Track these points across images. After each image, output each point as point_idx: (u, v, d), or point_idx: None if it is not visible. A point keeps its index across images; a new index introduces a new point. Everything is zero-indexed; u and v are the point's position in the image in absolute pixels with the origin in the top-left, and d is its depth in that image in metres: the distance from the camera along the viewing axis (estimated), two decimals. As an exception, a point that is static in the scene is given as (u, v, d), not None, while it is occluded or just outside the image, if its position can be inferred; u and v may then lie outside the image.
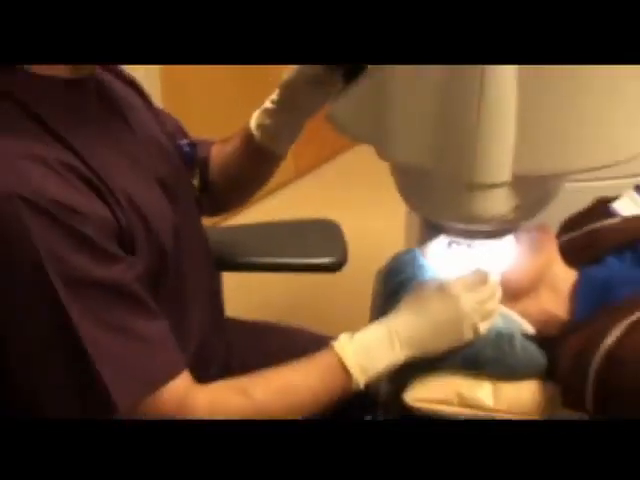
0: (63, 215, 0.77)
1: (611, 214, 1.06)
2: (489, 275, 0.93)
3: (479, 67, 0.74)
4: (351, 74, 0.90)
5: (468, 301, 0.89)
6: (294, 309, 2.02)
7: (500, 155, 0.78)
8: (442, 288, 0.90)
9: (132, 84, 1.05)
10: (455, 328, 0.89)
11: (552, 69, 0.74)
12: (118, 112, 0.94)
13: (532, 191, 0.85)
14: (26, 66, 0.84)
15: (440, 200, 0.86)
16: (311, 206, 2.48)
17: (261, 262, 1.26)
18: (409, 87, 0.79)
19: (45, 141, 0.81)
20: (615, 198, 1.08)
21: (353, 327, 0.94)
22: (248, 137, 1.10)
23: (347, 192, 2.74)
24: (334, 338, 0.93)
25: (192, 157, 1.09)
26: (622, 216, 1.05)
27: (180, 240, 0.94)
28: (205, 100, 2.55)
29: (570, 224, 1.09)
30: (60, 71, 0.85)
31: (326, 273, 1.27)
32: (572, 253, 1.03)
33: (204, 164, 1.13)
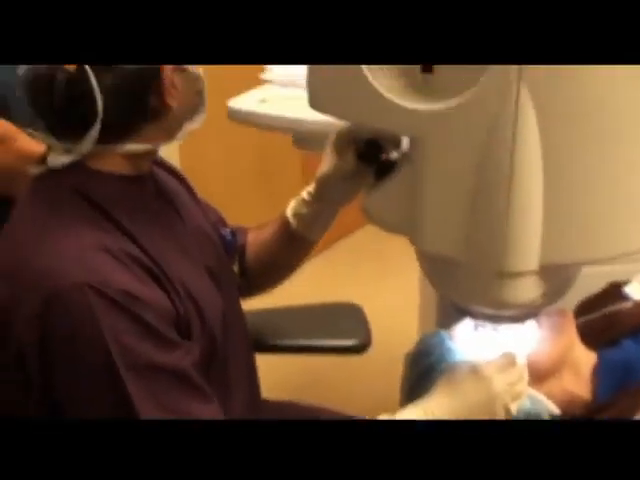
0: (129, 304, 0.82)
1: (624, 298, 1.10)
2: (516, 357, 0.97)
3: (509, 158, 0.79)
4: (383, 170, 0.96)
5: (500, 383, 0.92)
6: (308, 389, 2.04)
7: (529, 244, 0.83)
8: (474, 370, 0.93)
9: (181, 178, 1.12)
10: (488, 409, 0.92)
11: (579, 160, 0.79)
12: (172, 205, 1.00)
13: (557, 277, 0.90)
14: (92, 164, 0.90)
15: (470, 286, 0.91)
16: (323, 285, 2.54)
17: (290, 344, 1.30)
18: (440, 181, 0.84)
19: (111, 233, 0.86)
20: (626, 282, 1.13)
21: (372, 405, 0.97)
22: (284, 225, 1.16)
23: (357, 269, 2.78)
24: (360, 417, 0.96)
25: (233, 245, 1.15)
26: (635, 300, 1.10)
27: (226, 326, 0.99)
28: (222, 178, 2.62)
29: (585, 307, 1.13)
30: (122, 168, 0.92)
31: (352, 355, 1.31)
32: (589, 335, 1.08)
33: (242, 250, 1.19)
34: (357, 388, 2.18)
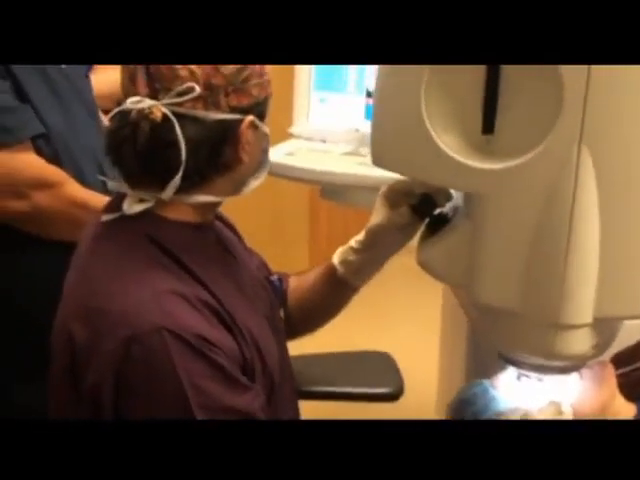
0: (203, 347, 0.83)
1: (660, 351, 1.12)
2: (563, 407, 0.98)
3: (568, 216, 0.81)
4: (436, 223, 0.98)
5: (550, 432, 0.93)
6: None
7: (584, 298, 0.84)
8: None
9: (232, 228, 1.13)
10: None
11: (634, 220, 0.81)
12: (230, 253, 1.01)
13: (608, 330, 0.91)
14: (161, 212, 0.91)
15: (523, 337, 0.92)
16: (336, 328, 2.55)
17: (326, 391, 1.30)
18: (499, 237, 0.86)
19: (182, 278, 0.87)
20: (660, 336, 1.15)
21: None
22: (330, 271, 1.17)
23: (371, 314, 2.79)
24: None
25: (281, 291, 1.16)
26: (670, 353, 1.11)
27: (281, 370, 0.99)
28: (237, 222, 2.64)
29: (621, 359, 1.14)
30: (189, 217, 0.93)
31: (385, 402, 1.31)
32: (626, 387, 1.08)
33: (285, 296, 1.20)
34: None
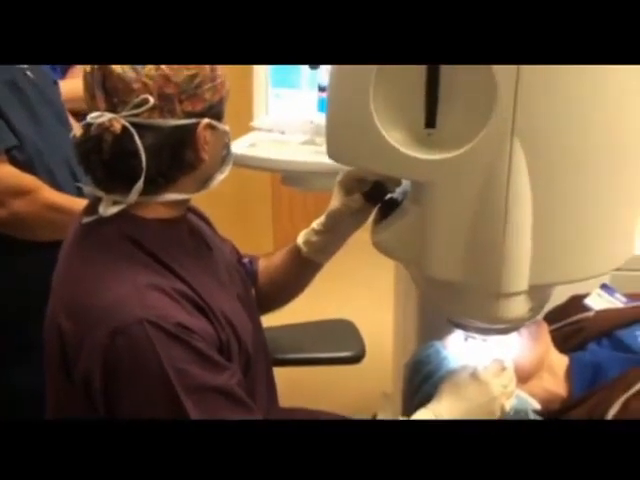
0: (182, 334, 0.82)
1: (586, 308, 1.15)
2: (505, 362, 1.00)
3: (504, 198, 0.82)
4: (387, 207, 0.99)
5: (496, 385, 0.95)
6: (311, 397, 2.05)
7: (520, 269, 0.86)
8: (474, 376, 0.96)
9: (204, 218, 1.12)
10: (488, 409, 0.95)
11: (561, 198, 0.83)
12: (203, 242, 1.01)
13: (541, 295, 0.94)
14: (137, 212, 0.90)
15: (469, 305, 0.94)
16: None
17: (294, 358, 1.31)
18: (445, 219, 0.87)
19: (160, 272, 0.87)
20: (586, 295, 1.18)
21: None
22: (296, 251, 1.18)
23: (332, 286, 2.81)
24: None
25: (252, 271, 1.16)
26: (595, 310, 1.14)
27: (255, 344, 0.99)
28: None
29: (552, 317, 1.18)
30: (163, 214, 0.92)
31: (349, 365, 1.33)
32: (559, 341, 1.12)
33: (255, 276, 1.20)
34: (354, 393, 2.20)
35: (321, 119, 1.75)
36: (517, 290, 0.88)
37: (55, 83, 1.51)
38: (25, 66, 1.34)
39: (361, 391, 2.26)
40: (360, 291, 2.91)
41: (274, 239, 3.32)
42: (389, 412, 2.08)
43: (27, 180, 1.25)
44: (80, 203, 1.27)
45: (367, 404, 2.19)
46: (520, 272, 0.87)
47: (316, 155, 1.64)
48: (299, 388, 2.00)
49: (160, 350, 0.81)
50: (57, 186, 1.30)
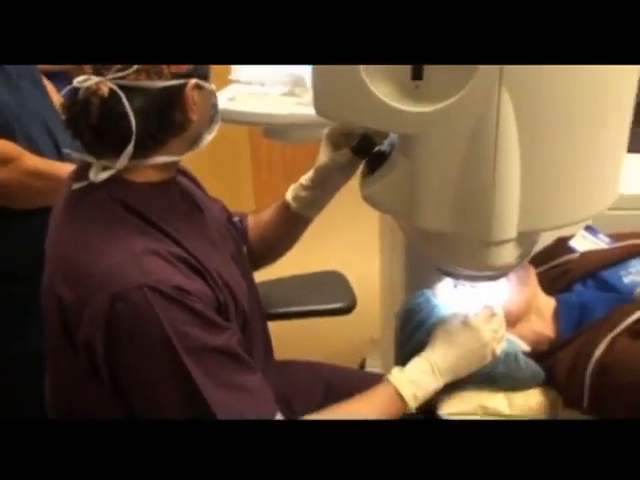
0: (181, 297, 0.83)
1: (571, 250, 1.18)
2: (495, 308, 1.03)
3: (492, 147, 0.83)
4: (375, 160, 0.99)
5: (487, 331, 0.98)
6: (305, 348, 2.08)
7: (509, 217, 0.88)
8: (466, 323, 0.99)
9: (193, 179, 1.11)
10: (480, 354, 0.97)
11: (548, 148, 0.84)
12: (195, 204, 1.00)
13: (530, 241, 0.96)
14: (127, 176, 0.90)
15: (458, 254, 0.95)
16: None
17: (287, 311, 1.33)
18: (434, 170, 0.87)
19: (155, 236, 0.87)
20: (571, 237, 1.20)
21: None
22: (285, 207, 1.18)
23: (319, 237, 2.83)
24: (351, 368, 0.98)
25: (242, 229, 1.17)
26: (580, 252, 1.17)
27: (250, 301, 1.01)
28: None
29: (539, 259, 1.20)
30: (154, 177, 0.92)
31: (341, 316, 1.35)
32: (545, 283, 1.15)
33: (246, 233, 1.20)
34: (342, 340, 2.22)
35: (300, 70, 1.74)
36: (506, 238, 0.89)
37: None
38: None
39: (349, 338, 2.30)
40: (345, 239, 2.93)
41: (254, 191, 3.31)
42: (377, 357, 2.13)
43: (8, 148, 1.23)
44: (63, 168, 1.25)
45: (356, 350, 2.24)
46: (509, 220, 0.88)
47: (298, 107, 1.63)
48: (290, 338, 2.04)
49: (160, 314, 0.81)
50: (38, 151, 1.28)
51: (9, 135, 1.24)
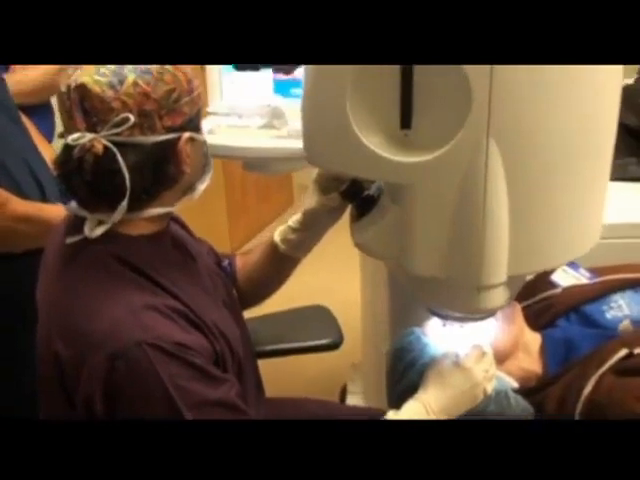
0: (180, 352, 0.83)
1: (553, 285, 1.20)
2: (484, 347, 1.04)
3: (482, 196, 0.85)
4: (364, 205, 1.00)
5: (479, 372, 0.99)
6: (292, 385, 2.07)
7: (499, 262, 0.89)
8: (457, 364, 1.00)
9: (180, 222, 1.11)
10: (473, 394, 0.98)
11: (534, 197, 0.86)
12: (186, 251, 1.00)
13: (519, 282, 0.98)
14: (122, 230, 0.89)
15: (449, 298, 0.96)
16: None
17: (273, 349, 1.33)
18: (425, 218, 0.89)
19: (152, 290, 0.86)
20: (552, 271, 1.23)
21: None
22: (273, 248, 1.18)
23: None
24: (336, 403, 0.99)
25: (231, 273, 1.16)
26: (562, 286, 1.19)
27: (244, 347, 1.01)
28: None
29: (521, 294, 1.22)
30: (147, 229, 0.92)
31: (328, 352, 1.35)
32: (529, 318, 1.17)
33: (234, 275, 1.20)
34: (323, 366, 2.23)
35: (278, 101, 1.75)
36: (497, 282, 0.91)
37: (2, 80, 1.45)
38: None
39: (330, 363, 2.30)
40: (325, 262, 2.92)
41: (227, 212, 3.30)
42: (358, 383, 2.14)
43: None
44: (51, 211, 1.24)
45: (337, 375, 2.24)
46: (499, 265, 0.89)
47: (276, 140, 1.64)
48: (270, 368, 2.04)
49: (160, 370, 0.81)
50: (22, 194, 1.26)
51: None
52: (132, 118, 0.84)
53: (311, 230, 1.14)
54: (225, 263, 1.17)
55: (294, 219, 1.15)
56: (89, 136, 0.84)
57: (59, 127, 1.78)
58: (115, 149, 0.84)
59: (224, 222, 3.28)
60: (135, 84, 0.84)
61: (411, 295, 1.08)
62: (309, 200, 1.11)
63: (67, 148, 0.85)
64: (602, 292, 1.14)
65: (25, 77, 1.66)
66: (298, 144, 1.00)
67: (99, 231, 0.87)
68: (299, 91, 1.68)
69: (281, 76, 1.73)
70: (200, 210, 2.64)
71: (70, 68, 0.89)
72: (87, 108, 0.84)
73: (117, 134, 0.84)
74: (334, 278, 2.78)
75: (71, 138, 0.84)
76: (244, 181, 3.34)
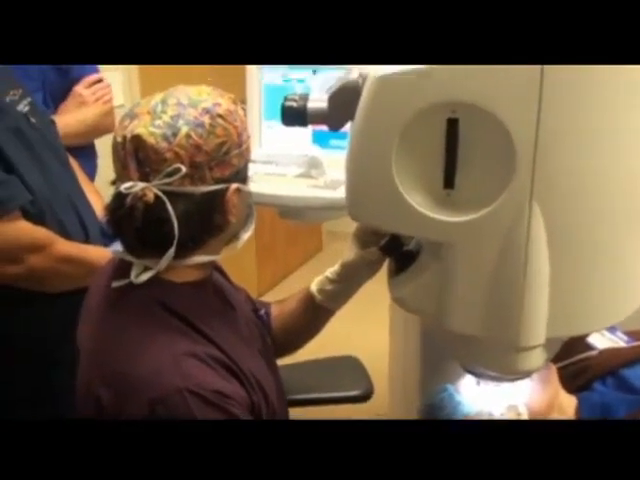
0: (219, 401, 0.84)
1: (589, 347, 1.19)
2: (520, 408, 1.03)
3: (523, 257, 0.85)
4: (403, 259, 1.01)
5: (514, 434, 0.98)
6: None
7: (538, 323, 0.89)
8: None
9: (219, 269, 1.13)
10: None
11: (575, 260, 0.86)
12: (227, 300, 1.02)
13: (558, 345, 0.97)
14: (166, 276, 0.91)
15: (486, 357, 0.97)
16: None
17: (305, 398, 1.33)
18: (465, 276, 0.89)
19: (194, 338, 0.88)
20: (588, 334, 1.22)
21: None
22: (309, 298, 1.19)
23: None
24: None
25: (267, 321, 1.18)
26: (599, 349, 1.18)
27: (277, 395, 1.01)
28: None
29: (557, 355, 1.21)
30: (191, 276, 0.93)
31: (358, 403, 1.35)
32: (564, 380, 1.15)
33: (270, 324, 1.21)
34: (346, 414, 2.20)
35: (315, 152, 1.78)
36: (535, 344, 0.91)
37: (52, 123, 1.50)
38: (26, 109, 1.33)
39: (354, 413, 2.28)
40: (353, 312, 2.91)
41: (256, 254, 3.32)
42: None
43: (41, 234, 1.25)
44: (94, 252, 1.27)
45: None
46: (538, 326, 0.89)
47: (313, 189, 1.66)
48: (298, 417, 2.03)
49: (199, 417, 0.82)
50: (67, 235, 1.30)
51: (40, 220, 1.26)
52: (183, 169, 0.86)
53: (348, 282, 1.15)
54: (262, 312, 1.19)
55: (332, 270, 1.17)
56: (141, 185, 0.86)
57: (102, 168, 1.82)
58: (165, 198, 0.86)
59: (252, 266, 3.30)
60: (188, 136, 0.87)
61: (444, 350, 1.08)
62: (348, 252, 1.13)
63: (119, 195, 0.88)
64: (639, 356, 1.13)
65: (73, 119, 1.71)
66: (334, 194, 1.02)
67: (145, 277, 0.89)
68: (338, 142, 1.71)
69: (320, 127, 1.77)
70: (229, 253, 2.66)
71: (115, 110, 0.92)
72: (141, 158, 0.87)
73: (168, 184, 0.87)
74: (362, 328, 2.77)
75: (124, 187, 0.87)
76: (274, 226, 3.37)
